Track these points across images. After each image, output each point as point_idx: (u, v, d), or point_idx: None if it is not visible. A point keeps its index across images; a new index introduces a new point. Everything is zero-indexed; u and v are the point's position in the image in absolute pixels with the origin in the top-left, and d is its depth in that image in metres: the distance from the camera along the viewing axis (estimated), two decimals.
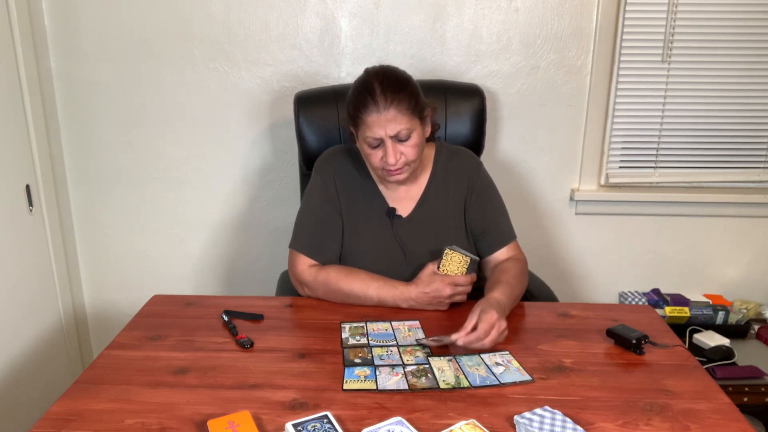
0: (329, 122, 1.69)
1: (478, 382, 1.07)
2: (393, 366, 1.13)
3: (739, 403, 1.81)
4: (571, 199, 2.15)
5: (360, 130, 1.33)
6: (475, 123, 1.72)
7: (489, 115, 1.83)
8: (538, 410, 0.96)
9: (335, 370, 1.12)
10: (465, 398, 1.03)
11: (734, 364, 1.91)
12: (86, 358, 2.26)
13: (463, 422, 0.93)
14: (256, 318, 1.33)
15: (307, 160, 1.71)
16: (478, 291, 1.38)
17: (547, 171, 2.13)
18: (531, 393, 1.05)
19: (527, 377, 1.09)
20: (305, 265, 1.43)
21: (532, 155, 2.11)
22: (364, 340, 1.23)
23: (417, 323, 1.30)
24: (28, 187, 1.90)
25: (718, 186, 2.15)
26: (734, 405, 1.01)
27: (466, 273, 1.34)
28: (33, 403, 1.92)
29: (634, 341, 1.18)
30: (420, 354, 1.17)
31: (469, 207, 1.47)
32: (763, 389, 1.84)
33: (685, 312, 2.09)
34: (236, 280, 2.24)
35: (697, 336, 2.03)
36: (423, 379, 1.08)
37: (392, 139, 1.31)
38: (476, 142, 1.73)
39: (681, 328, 2.07)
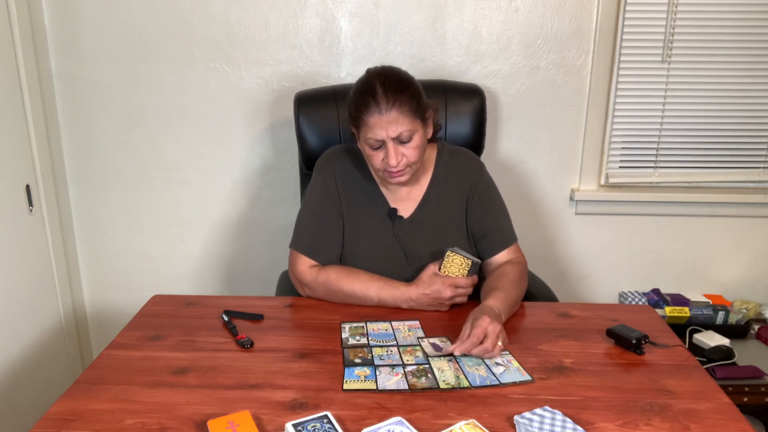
0: (329, 122, 1.69)
1: (478, 382, 1.07)
2: (393, 366, 1.13)
3: (739, 403, 1.81)
4: (571, 199, 2.15)
5: (361, 131, 1.33)
6: (475, 123, 1.72)
7: (489, 115, 1.83)
8: (538, 410, 0.96)
9: (335, 370, 1.12)
10: (465, 398, 1.03)
11: (734, 364, 1.91)
12: (86, 358, 2.26)
13: (463, 422, 0.93)
14: (256, 318, 1.33)
15: (307, 160, 1.71)
16: (479, 292, 1.38)
17: (547, 171, 2.13)
18: (531, 393, 1.05)
19: (527, 377, 1.09)
20: (305, 265, 1.43)
21: (532, 155, 2.11)
22: (364, 340, 1.23)
23: (417, 323, 1.30)
24: (28, 187, 1.90)
25: (718, 186, 2.15)
26: (734, 405, 1.01)
27: (467, 275, 1.34)
28: (33, 403, 1.92)
29: (634, 341, 1.17)
30: (420, 354, 1.17)
31: (471, 209, 1.47)
32: (763, 389, 1.84)
33: (685, 312, 2.09)
34: (236, 280, 2.24)
35: (697, 336, 2.03)
36: (423, 379, 1.08)
37: (394, 140, 1.30)
38: (476, 142, 1.73)
39: (681, 328, 2.07)
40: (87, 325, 2.28)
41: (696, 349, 1.99)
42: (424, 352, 1.18)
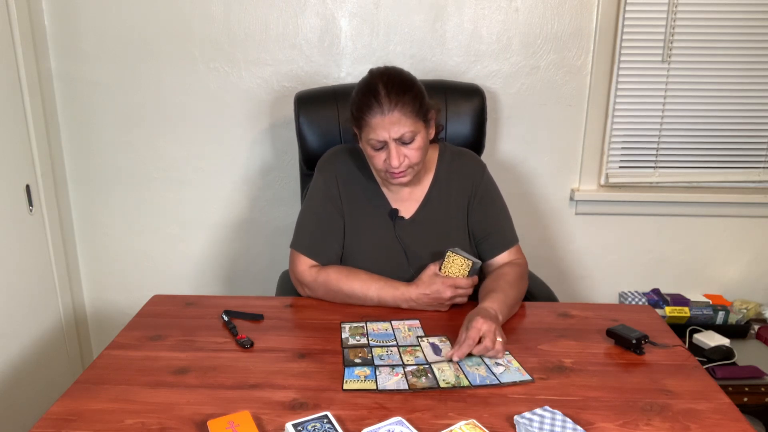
0: (329, 122, 1.69)
1: (478, 382, 1.07)
2: (393, 366, 1.13)
3: (739, 403, 1.81)
4: (571, 199, 2.15)
5: (363, 132, 1.33)
6: (476, 123, 1.72)
7: (489, 115, 1.83)
8: (538, 410, 0.96)
9: (335, 370, 1.12)
10: (465, 398, 1.03)
11: (734, 364, 1.91)
12: (86, 358, 2.26)
13: (463, 422, 0.93)
14: (256, 318, 1.33)
15: (308, 160, 1.71)
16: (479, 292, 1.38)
17: (547, 171, 2.13)
18: (531, 393, 1.05)
19: (527, 377, 1.09)
20: (306, 265, 1.43)
21: (532, 155, 2.11)
22: (364, 340, 1.23)
23: (417, 323, 1.30)
24: (28, 187, 1.90)
25: (718, 186, 2.15)
26: (734, 405, 1.01)
27: (467, 276, 1.34)
28: (33, 403, 1.92)
29: (634, 341, 1.17)
30: (420, 354, 1.17)
31: (472, 210, 1.47)
32: (763, 389, 1.84)
33: (685, 312, 2.09)
34: (236, 280, 2.24)
35: (697, 336, 2.03)
36: (423, 378, 1.08)
37: (396, 141, 1.30)
38: (476, 142, 1.73)
39: (681, 328, 2.07)
40: (87, 325, 2.28)
41: (696, 349, 1.99)
42: (424, 354, 1.18)
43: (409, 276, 1.41)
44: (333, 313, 1.36)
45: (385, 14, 1.96)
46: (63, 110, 2.05)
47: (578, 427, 0.92)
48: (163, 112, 2.05)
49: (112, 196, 2.15)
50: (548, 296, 1.56)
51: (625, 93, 2.05)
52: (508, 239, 1.48)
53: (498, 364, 1.13)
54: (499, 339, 1.14)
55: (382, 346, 1.20)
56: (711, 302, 2.13)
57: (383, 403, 1.01)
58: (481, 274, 1.44)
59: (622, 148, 2.11)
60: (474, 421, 0.94)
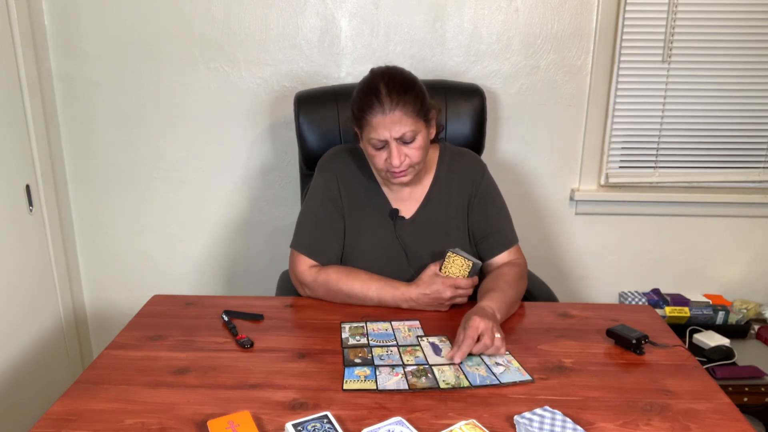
0: (329, 122, 1.69)
1: (478, 382, 1.07)
2: (393, 366, 1.13)
3: (739, 403, 1.81)
4: (571, 199, 2.15)
5: (364, 131, 1.33)
6: (476, 123, 1.72)
7: (489, 115, 1.83)
8: (538, 410, 0.96)
9: (335, 370, 1.12)
10: (465, 398, 1.03)
11: (734, 364, 1.91)
12: (86, 358, 2.26)
13: (463, 422, 0.93)
14: (256, 318, 1.33)
15: (308, 160, 1.71)
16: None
17: (547, 171, 2.13)
18: (531, 393, 1.05)
19: (527, 377, 1.09)
20: (306, 265, 1.43)
21: (532, 155, 2.11)
22: (364, 340, 1.23)
23: (417, 323, 1.30)
24: (28, 187, 1.90)
25: (718, 186, 2.15)
26: (734, 405, 1.01)
27: (467, 276, 1.34)
28: (33, 403, 1.92)
29: (634, 341, 1.17)
30: (420, 354, 1.17)
31: (473, 210, 1.47)
32: (763, 389, 1.84)
33: (685, 312, 2.09)
34: (236, 280, 2.24)
35: (697, 336, 2.03)
36: (423, 379, 1.08)
37: (397, 141, 1.30)
38: (476, 142, 1.73)
39: (681, 328, 2.07)
40: (87, 325, 2.28)
41: (696, 349, 1.99)
42: (424, 354, 1.18)
43: (409, 276, 1.41)
44: (333, 313, 1.36)
45: (385, 14, 1.96)
46: (63, 110, 2.05)
47: (578, 427, 0.92)
48: (163, 112, 2.05)
49: (112, 196, 2.15)
50: (548, 296, 1.56)
51: (625, 93, 2.05)
52: (508, 239, 1.48)
53: (498, 364, 1.13)
54: (498, 335, 1.14)
55: (382, 346, 1.20)
56: (711, 302, 2.13)
57: (383, 403, 1.01)
58: (480, 274, 1.44)
59: (622, 148, 2.11)
60: (474, 421, 0.94)
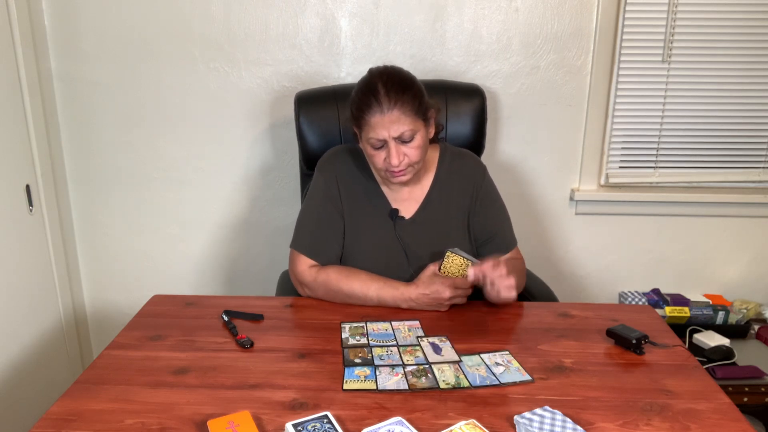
0: (330, 122, 1.69)
1: (478, 382, 1.07)
2: (393, 366, 1.13)
3: (739, 403, 1.81)
4: (571, 199, 2.15)
5: (363, 131, 1.33)
6: (476, 123, 1.72)
7: (489, 115, 1.83)
8: (538, 410, 0.96)
9: (335, 370, 1.12)
10: (465, 398, 1.03)
11: (734, 364, 1.91)
12: (86, 358, 2.26)
13: (463, 422, 0.93)
14: (256, 318, 1.33)
15: (308, 160, 1.71)
16: (478, 292, 1.38)
17: (547, 171, 2.13)
18: (531, 393, 1.05)
19: (527, 377, 1.09)
20: (305, 265, 1.43)
21: (532, 155, 2.11)
22: (364, 340, 1.23)
23: (417, 323, 1.30)
24: (28, 187, 1.90)
25: (718, 186, 2.15)
26: (734, 405, 1.01)
27: (467, 276, 1.34)
28: (33, 403, 1.92)
29: (634, 341, 1.17)
30: (420, 354, 1.17)
31: (474, 212, 1.47)
32: (763, 389, 1.84)
33: (685, 312, 2.09)
34: (236, 280, 2.24)
35: (697, 336, 2.03)
36: (423, 379, 1.08)
37: (396, 140, 1.30)
38: (476, 142, 1.73)
39: (681, 328, 2.07)
40: (87, 325, 2.28)
41: (696, 349, 1.99)
42: (424, 354, 1.18)
43: (409, 276, 1.41)
44: (333, 313, 1.36)
45: (385, 14, 1.96)
46: (63, 110, 2.05)
47: (578, 427, 0.92)
48: (163, 112, 2.05)
49: (112, 196, 2.15)
50: (548, 296, 1.56)
51: (625, 93, 2.05)
52: (509, 241, 1.49)
53: (498, 364, 1.13)
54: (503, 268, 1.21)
55: (382, 346, 1.20)
56: (711, 302, 2.13)
57: (383, 403, 1.01)
58: None
59: (622, 148, 2.11)
60: (474, 421, 0.94)
